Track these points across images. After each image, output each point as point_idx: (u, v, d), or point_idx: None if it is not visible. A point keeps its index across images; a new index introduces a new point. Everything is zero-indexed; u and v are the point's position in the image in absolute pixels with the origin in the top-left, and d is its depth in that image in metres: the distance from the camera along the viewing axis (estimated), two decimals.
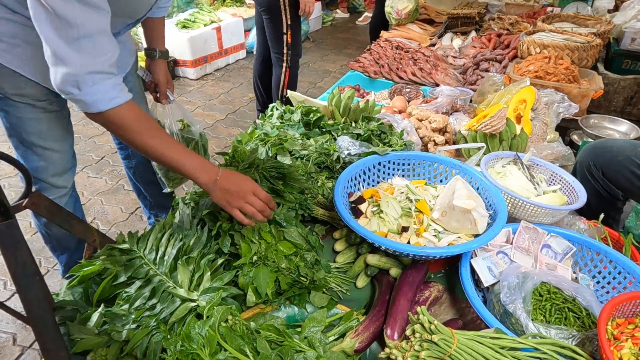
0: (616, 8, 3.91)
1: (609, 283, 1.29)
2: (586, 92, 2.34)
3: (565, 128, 2.64)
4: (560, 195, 1.51)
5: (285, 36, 2.83)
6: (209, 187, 1.14)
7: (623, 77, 3.26)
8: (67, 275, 1.29)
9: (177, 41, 4.30)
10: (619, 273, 1.27)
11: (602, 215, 1.54)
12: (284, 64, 2.95)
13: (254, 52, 3.37)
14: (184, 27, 4.52)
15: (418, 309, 0.97)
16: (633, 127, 2.50)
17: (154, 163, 1.72)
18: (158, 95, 1.69)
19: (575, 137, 2.69)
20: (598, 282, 1.32)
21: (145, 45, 1.69)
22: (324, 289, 1.25)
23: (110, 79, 1.06)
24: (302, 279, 1.22)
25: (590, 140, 2.33)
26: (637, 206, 2.16)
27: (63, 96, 1.06)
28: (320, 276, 1.24)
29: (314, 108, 2.00)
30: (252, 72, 3.34)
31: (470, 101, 2.43)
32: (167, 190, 1.77)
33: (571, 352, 0.98)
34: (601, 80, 2.50)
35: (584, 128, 2.29)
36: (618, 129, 2.54)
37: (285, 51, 2.90)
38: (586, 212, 1.67)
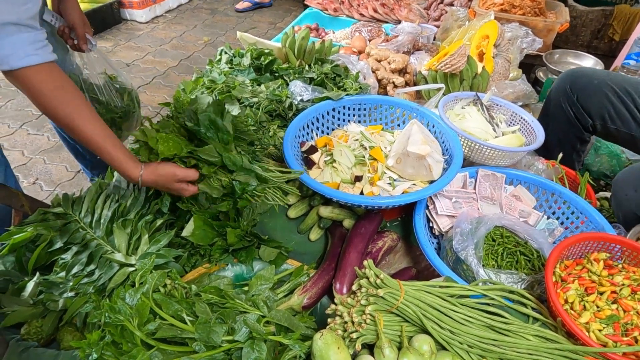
0: None
1: (562, 224, 1.28)
2: (552, 25, 2.25)
3: (530, 65, 2.57)
4: (519, 136, 1.47)
5: None
6: (135, 181, 1.09)
7: (591, 9, 3.17)
8: None
9: None
10: (572, 213, 1.26)
11: (560, 155, 1.51)
12: None
13: None
14: None
15: (365, 262, 0.92)
16: (597, 61, 2.45)
17: None
18: (75, 42, 1.45)
19: (540, 74, 2.63)
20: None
21: None
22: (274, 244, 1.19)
23: (27, 33, 0.93)
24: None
25: (554, 77, 2.27)
26: (596, 142, 2.15)
27: None
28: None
29: (266, 51, 1.85)
30: None
31: (434, 39, 2.31)
32: None
33: (519, 297, 0.98)
34: (568, 13, 2.40)
35: (548, 64, 2.23)
36: (582, 64, 2.49)
37: None
38: (553, 147, 1.64)
